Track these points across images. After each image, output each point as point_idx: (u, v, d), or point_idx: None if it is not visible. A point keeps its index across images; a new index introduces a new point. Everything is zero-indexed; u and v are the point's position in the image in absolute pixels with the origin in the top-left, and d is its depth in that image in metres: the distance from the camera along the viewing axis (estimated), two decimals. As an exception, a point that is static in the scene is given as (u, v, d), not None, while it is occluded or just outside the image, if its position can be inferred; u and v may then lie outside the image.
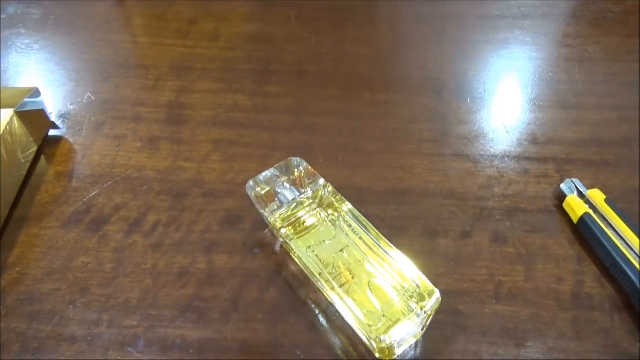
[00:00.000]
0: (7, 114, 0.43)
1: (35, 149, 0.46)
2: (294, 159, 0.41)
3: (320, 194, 0.39)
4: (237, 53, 0.58)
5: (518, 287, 0.38)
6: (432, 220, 0.42)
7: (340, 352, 0.34)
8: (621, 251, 0.37)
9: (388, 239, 0.36)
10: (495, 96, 0.54)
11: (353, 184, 0.45)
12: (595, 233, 0.39)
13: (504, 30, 0.62)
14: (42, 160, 0.47)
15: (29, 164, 0.45)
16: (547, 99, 0.53)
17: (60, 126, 0.50)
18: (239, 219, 0.42)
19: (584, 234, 0.40)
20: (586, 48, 0.59)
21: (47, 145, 0.48)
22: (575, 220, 0.41)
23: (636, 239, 0.38)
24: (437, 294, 0.32)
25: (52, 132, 0.49)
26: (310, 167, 0.40)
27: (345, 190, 0.41)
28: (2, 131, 0.41)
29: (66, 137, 0.49)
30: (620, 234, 0.38)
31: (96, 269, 0.39)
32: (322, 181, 0.39)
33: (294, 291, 0.37)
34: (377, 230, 0.36)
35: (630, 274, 0.36)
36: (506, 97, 0.54)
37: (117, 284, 0.38)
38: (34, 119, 0.46)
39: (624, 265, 0.37)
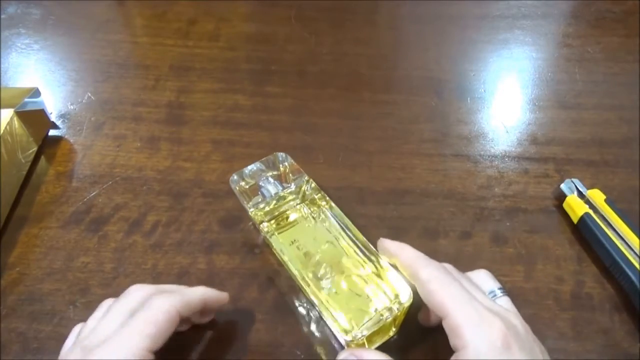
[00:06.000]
0: (7, 114, 0.43)
1: (35, 149, 0.46)
2: (279, 154, 0.41)
3: (303, 189, 0.40)
4: (237, 53, 0.58)
5: (518, 287, 0.38)
6: (432, 220, 0.42)
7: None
8: (621, 251, 0.37)
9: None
10: (495, 96, 0.54)
11: (353, 184, 0.45)
12: (595, 233, 0.39)
13: (504, 30, 0.62)
14: (42, 160, 0.47)
15: (29, 164, 0.45)
16: (547, 99, 0.53)
17: (60, 126, 0.50)
18: (239, 219, 0.42)
19: (584, 234, 0.40)
20: (586, 48, 0.59)
21: (47, 145, 0.48)
22: (575, 220, 0.41)
23: (636, 239, 0.38)
24: (409, 292, 0.32)
25: (52, 132, 0.49)
26: (295, 163, 0.41)
27: (345, 190, 0.41)
28: (2, 131, 0.41)
29: (66, 137, 0.49)
30: (620, 234, 0.38)
31: (96, 269, 0.39)
32: (305, 177, 0.40)
33: (294, 291, 0.37)
34: (356, 228, 0.37)
35: (630, 274, 0.36)
36: (506, 97, 0.54)
37: (117, 284, 0.38)
38: (34, 119, 0.46)
39: (624, 265, 0.37)
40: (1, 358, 0.34)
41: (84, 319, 0.36)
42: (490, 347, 0.26)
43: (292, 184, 0.40)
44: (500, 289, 0.31)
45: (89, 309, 0.36)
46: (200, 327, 0.36)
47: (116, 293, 0.37)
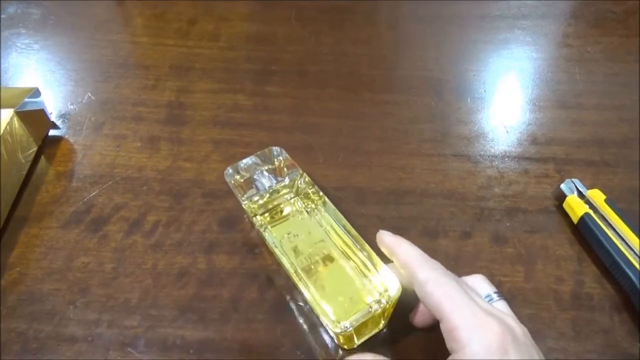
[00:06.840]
0: (7, 114, 0.43)
1: (35, 149, 0.46)
2: (274, 148, 0.41)
3: (297, 183, 0.40)
4: (237, 53, 0.58)
5: (518, 287, 0.38)
6: (432, 220, 0.42)
7: (340, 352, 0.34)
8: (621, 251, 0.37)
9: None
10: (495, 96, 0.54)
11: (353, 184, 0.45)
12: (595, 233, 0.39)
13: (504, 30, 0.62)
14: (42, 160, 0.47)
15: (29, 164, 0.45)
16: (547, 99, 0.53)
17: (60, 126, 0.50)
18: (239, 219, 0.42)
19: (584, 234, 0.40)
20: (586, 48, 0.59)
21: (47, 145, 0.48)
22: (575, 220, 0.41)
23: (636, 239, 0.38)
24: (398, 285, 0.32)
25: (52, 132, 0.49)
26: (289, 157, 0.41)
27: (345, 190, 0.41)
28: (2, 131, 0.41)
29: (66, 137, 0.49)
30: (620, 234, 0.38)
31: (96, 269, 0.39)
32: (299, 171, 0.40)
33: (294, 291, 0.37)
34: (347, 222, 0.37)
35: (630, 274, 0.36)
36: (506, 97, 0.54)
37: (117, 284, 0.38)
38: (34, 119, 0.46)
39: (624, 265, 0.37)
40: (1, 358, 0.34)
41: (84, 318, 0.36)
42: (486, 350, 0.26)
43: (287, 177, 0.40)
44: (496, 292, 0.31)
45: (89, 309, 0.37)
46: (199, 328, 0.36)
47: (116, 293, 0.37)
